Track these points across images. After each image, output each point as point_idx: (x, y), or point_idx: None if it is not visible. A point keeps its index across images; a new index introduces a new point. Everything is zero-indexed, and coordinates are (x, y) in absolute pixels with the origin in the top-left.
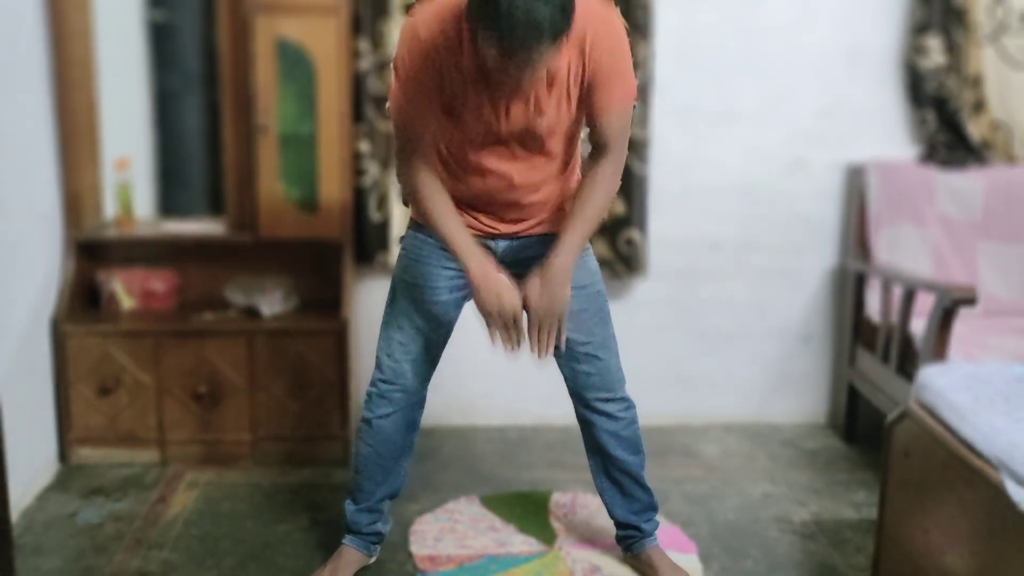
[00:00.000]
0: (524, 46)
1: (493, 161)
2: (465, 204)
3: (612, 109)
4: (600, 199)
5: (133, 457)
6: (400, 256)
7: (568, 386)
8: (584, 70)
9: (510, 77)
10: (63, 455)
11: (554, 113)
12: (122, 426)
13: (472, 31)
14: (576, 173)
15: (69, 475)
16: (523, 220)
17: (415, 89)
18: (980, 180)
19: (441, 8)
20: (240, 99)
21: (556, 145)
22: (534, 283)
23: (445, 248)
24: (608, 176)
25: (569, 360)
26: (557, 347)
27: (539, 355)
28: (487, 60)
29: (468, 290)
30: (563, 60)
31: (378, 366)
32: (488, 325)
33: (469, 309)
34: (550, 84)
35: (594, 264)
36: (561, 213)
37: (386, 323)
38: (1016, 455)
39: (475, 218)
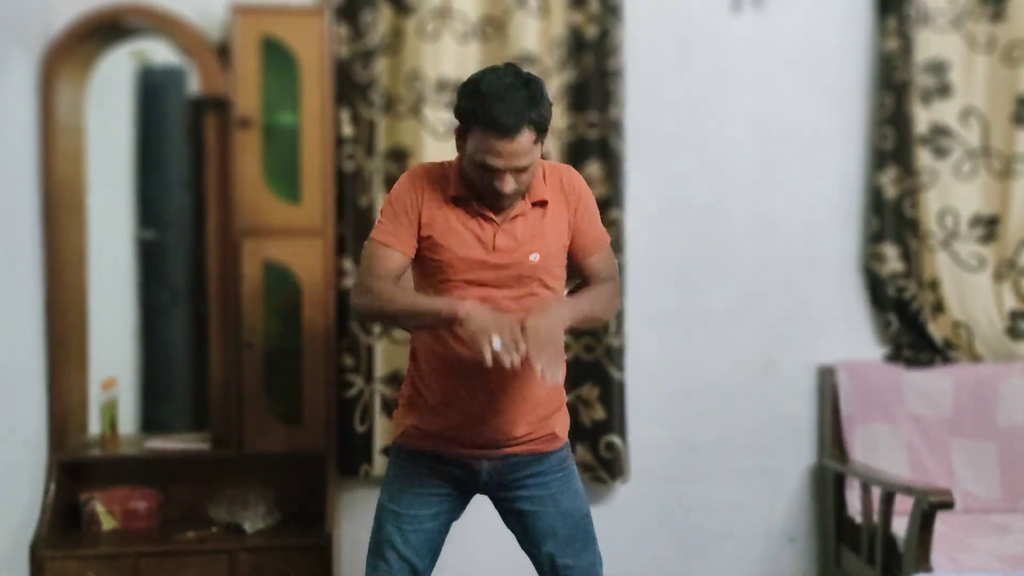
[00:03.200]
0: (510, 113)
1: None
2: (443, 409)
3: (603, 245)
4: (600, 297)
5: None
6: (385, 481)
7: None
8: (571, 214)
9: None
10: None
11: (546, 246)
12: None
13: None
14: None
15: None
16: (507, 430)
17: (392, 218)
18: (947, 378)
19: (431, 163)
20: (226, 316)
21: (544, 289)
22: (530, 315)
23: (427, 320)
24: (609, 290)
25: None
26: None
27: (546, 373)
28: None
29: (455, 512)
30: (550, 195)
31: None
32: (486, 342)
33: (456, 529)
34: (540, 208)
35: (580, 487)
36: (549, 433)
37: (372, 551)
38: None
39: (453, 439)
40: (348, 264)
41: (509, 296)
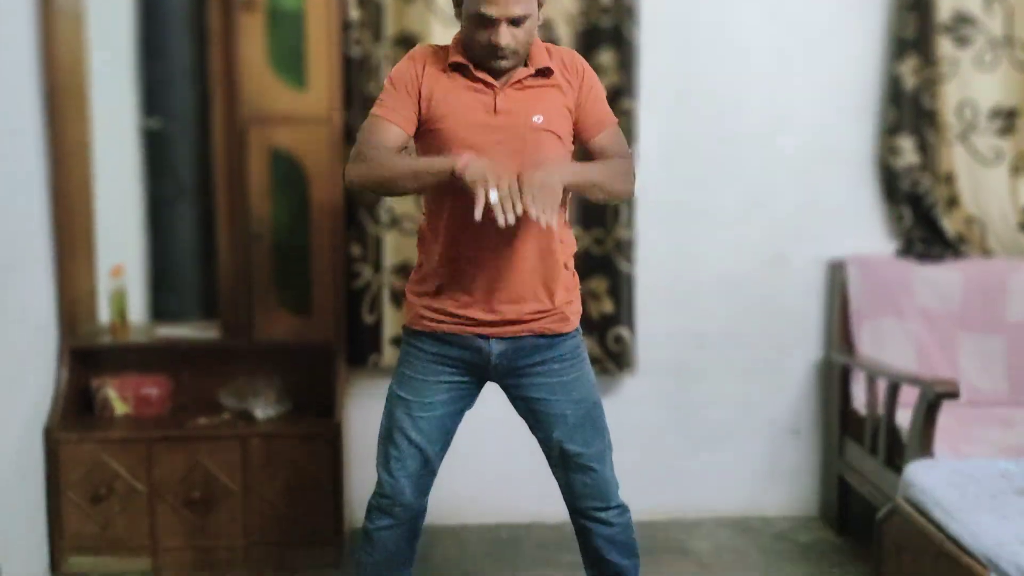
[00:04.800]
0: None
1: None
2: (451, 286)
3: (609, 123)
4: (611, 169)
5: (125, 566)
6: (396, 370)
7: (563, 495)
8: (575, 92)
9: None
10: (54, 564)
11: (550, 111)
12: (114, 534)
13: None
14: (571, 247)
15: None
16: (516, 303)
17: (391, 94)
18: (957, 273)
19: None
20: (234, 207)
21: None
22: (528, 170)
23: (428, 180)
24: (618, 164)
25: (565, 471)
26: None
27: (541, 219)
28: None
29: (467, 400)
30: (557, 70)
31: (378, 480)
32: (483, 192)
33: (466, 416)
34: (542, 77)
35: (591, 375)
36: (558, 312)
37: (382, 437)
38: (1003, 553)
39: (463, 317)
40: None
41: (513, 165)
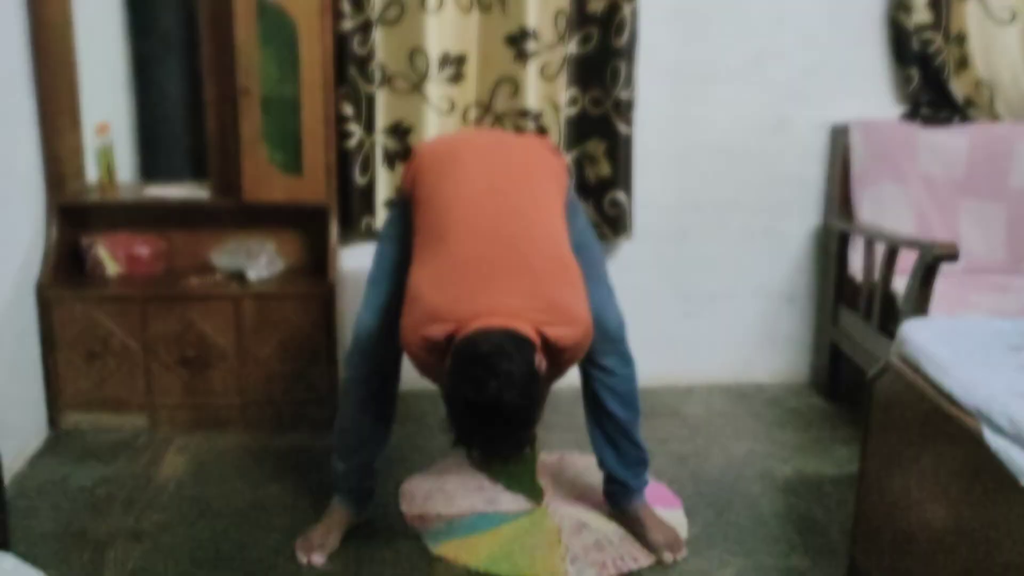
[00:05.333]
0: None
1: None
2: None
3: None
4: None
5: (122, 422)
6: (385, 225)
7: None
8: None
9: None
10: (52, 420)
11: None
12: (110, 391)
13: None
14: None
15: (59, 440)
16: None
17: None
18: (963, 138)
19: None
20: (220, 62)
21: None
22: None
23: None
24: None
25: None
26: None
27: None
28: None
29: None
30: None
31: (358, 323)
32: None
33: None
34: None
35: (587, 224)
36: None
37: (369, 281)
38: (994, 405)
39: None
40: (346, 6)
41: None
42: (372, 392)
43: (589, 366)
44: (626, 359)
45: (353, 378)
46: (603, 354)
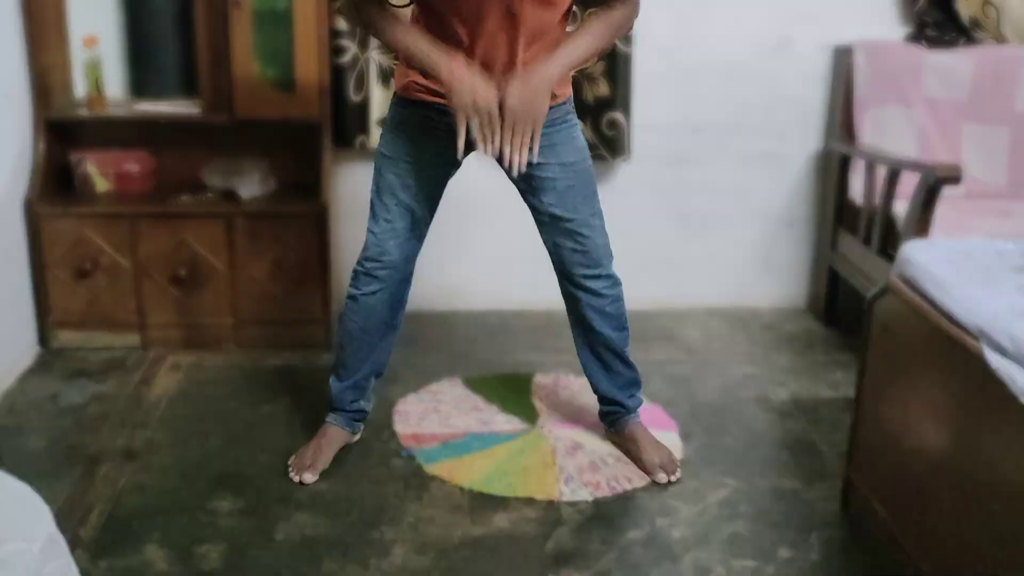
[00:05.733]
0: None
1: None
2: None
3: None
4: (608, 28)
5: (114, 340)
6: (383, 132)
7: (553, 262)
8: None
9: None
10: (43, 339)
11: None
12: (102, 310)
13: None
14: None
15: (50, 358)
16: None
17: None
18: (968, 60)
19: None
20: None
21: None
22: (513, 84)
23: (415, 64)
24: (620, 15)
25: (554, 235)
26: (530, 164)
27: (513, 161)
28: None
29: (452, 166)
30: None
31: (365, 243)
32: (464, 121)
33: (452, 188)
34: None
35: (582, 141)
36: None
37: (372, 200)
38: (996, 324)
39: None
40: None
41: (502, 32)
42: (376, 312)
43: (576, 289)
44: (614, 280)
45: (357, 297)
46: (590, 277)
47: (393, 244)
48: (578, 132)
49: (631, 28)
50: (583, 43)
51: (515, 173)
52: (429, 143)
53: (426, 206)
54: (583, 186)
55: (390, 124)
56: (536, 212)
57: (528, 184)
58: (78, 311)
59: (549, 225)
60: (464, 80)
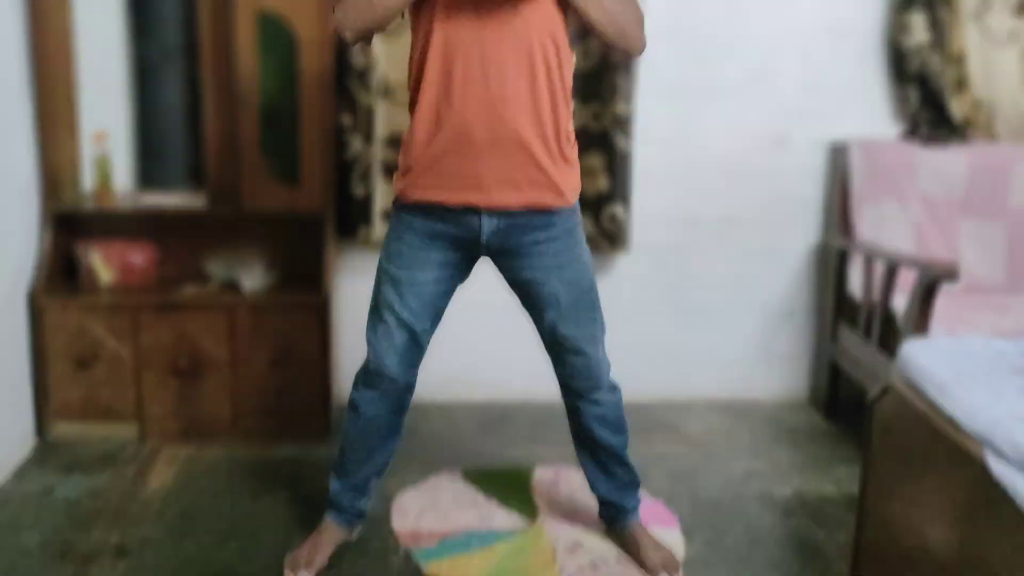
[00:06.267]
0: None
1: (466, 39)
2: (440, 147)
3: None
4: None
5: (111, 432)
6: (385, 242)
7: (556, 374)
8: None
9: None
10: (40, 430)
11: None
12: (100, 400)
13: None
14: (570, 128)
15: (47, 450)
16: (509, 178)
17: None
18: (962, 158)
19: None
20: (221, 71)
21: (538, 18)
22: None
23: None
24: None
25: (556, 351)
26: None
27: None
28: None
29: (458, 277)
30: None
31: (367, 352)
32: None
33: (458, 294)
34: None
35: (587, 255)
36: (552, 183)
37: (372, 310)
38: (998, 431)
39: (451, 178)
40: None
41: (502, 24)
42: (377, 419)
43: (576, 399)
44: (612, 387)
45: (358, 404)
46: (591, 389)
47: (393, 359)
48: (584, 248)
49: (640, 31)
50: None
51: None
52: (433, 253)
53: (428, 321)
54: (587, 303)
55: (391, 235)
56: (539, 327)
57: (529, 299)
58: (77, 402)
59: (552, 341)
60: None
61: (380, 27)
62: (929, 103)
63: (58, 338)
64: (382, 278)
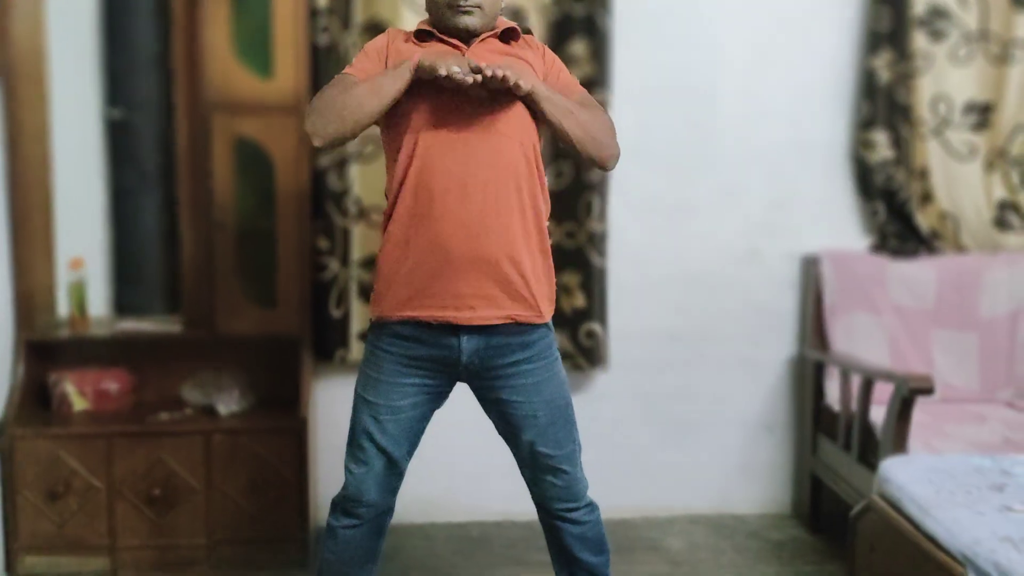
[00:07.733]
0: None
1: (443, 155)
2: (417, 263)
3: (579, 90)
4: (584, 109)
5: (82, 565)
6: (360, 370)
7: (533, 495)
8: (541, 63)
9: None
10: (9, 564)
11: (514, 65)
12: (71, 533)
13: None
14: (547, 240)
15: None
16: (488, 295)
17: (360, 59)
18: (931, 269)
19: None
20: (198, 196)
21: (515, 133)
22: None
23: (388, 90)
24: (592, 112)
25: (533, 471)
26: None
27: (490, 74)
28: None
29: (436, 402)
30: (519, 43)
31: (346, 478)
32: (442, 67)
33: (435, 414)
34: (510, 41)
35: (563, 374)
36: (532, 299)
37: (350, 437)
38: (980, 551)
39: (428, 296)
40: None
41: (480, 140)
42: (355, 544)
43: (557, 520)
44: (592, 506)
45: (336, 530)
46: (570, 509)
47: (372, 485)
48: (559, 366)
49: (612, 141)
50: (563, 98)
51: (512, 85)
52: (411, 379)
53: (406, 447)
54: (564, 422)
55: (368, 364)
56: (515, 448)
57: (506, 420)
58: (46, 535)
59: (529, 461)
60: (429, 52)
61: (350, 136)
62: (896, 216)
63: (29, 470)
64: (359, 405)
